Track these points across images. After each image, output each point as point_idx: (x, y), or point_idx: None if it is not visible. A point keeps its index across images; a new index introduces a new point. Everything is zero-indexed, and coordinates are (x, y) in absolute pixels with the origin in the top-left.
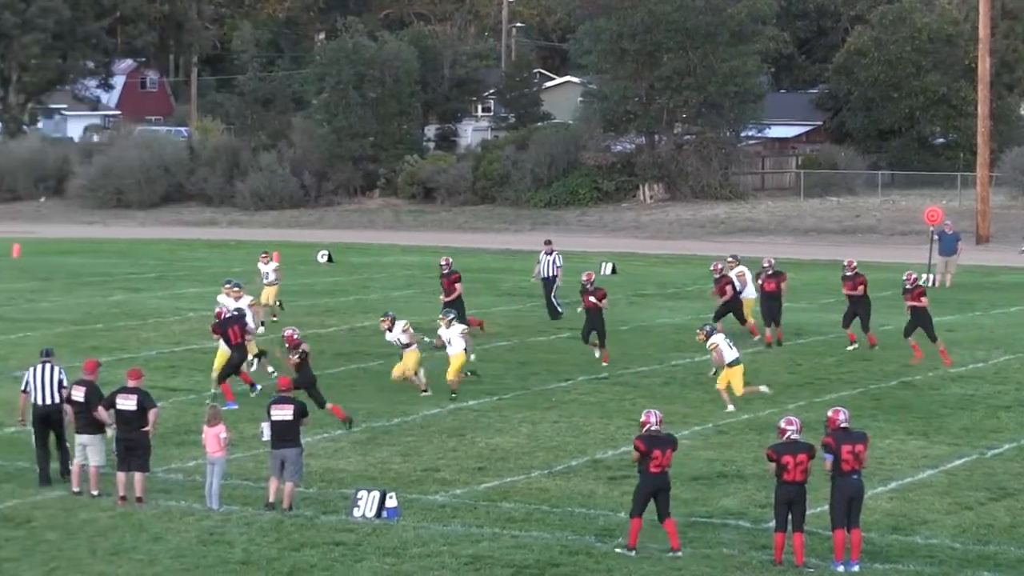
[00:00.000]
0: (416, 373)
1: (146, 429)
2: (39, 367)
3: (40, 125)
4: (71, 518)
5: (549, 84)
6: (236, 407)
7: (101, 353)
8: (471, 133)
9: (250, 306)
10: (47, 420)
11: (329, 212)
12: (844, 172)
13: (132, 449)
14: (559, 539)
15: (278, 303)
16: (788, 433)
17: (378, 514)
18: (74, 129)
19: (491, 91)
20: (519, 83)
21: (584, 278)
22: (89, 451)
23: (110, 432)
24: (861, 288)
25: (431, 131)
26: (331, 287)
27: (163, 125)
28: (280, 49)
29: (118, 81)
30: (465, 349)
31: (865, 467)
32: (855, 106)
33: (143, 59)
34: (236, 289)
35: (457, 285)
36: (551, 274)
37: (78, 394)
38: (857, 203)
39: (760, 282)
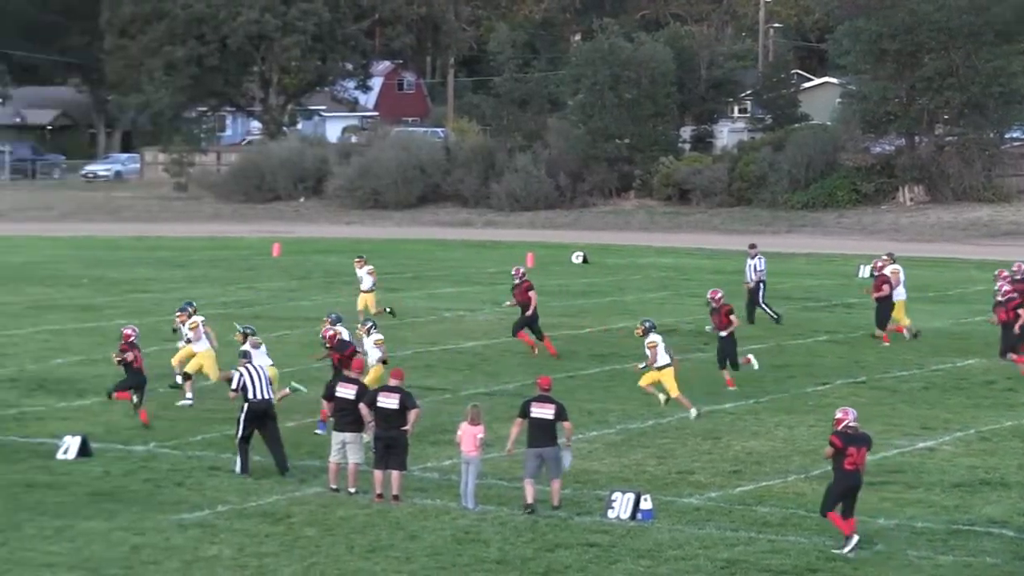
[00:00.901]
0: None
1: (405, 428)
2: (250, 367)
3: (299, 126)
4: (329, 515)
5: (807, 85)
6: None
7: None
8: (727, 134)
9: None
10: (264, 416)
11: (584, 213)
12: None
13: (391, 447)
14: (816, 544)
15: (387, 310)
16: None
17: (633, 516)
18: (332, 130)
19: (748, 92)
20: (776, 84)
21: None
22: (349, 449)
23: (368, 435)
24: None
25: (687, 132)
26: (586, 288)
27: (420, 126)
28: (536, 50)
29: (376, 83)
30: (382, 359)
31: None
32: None
33: (401, 61)
34: (181, 313)
35: (531, 294)
36: (753, 278)
37: (348, 391)
38: None
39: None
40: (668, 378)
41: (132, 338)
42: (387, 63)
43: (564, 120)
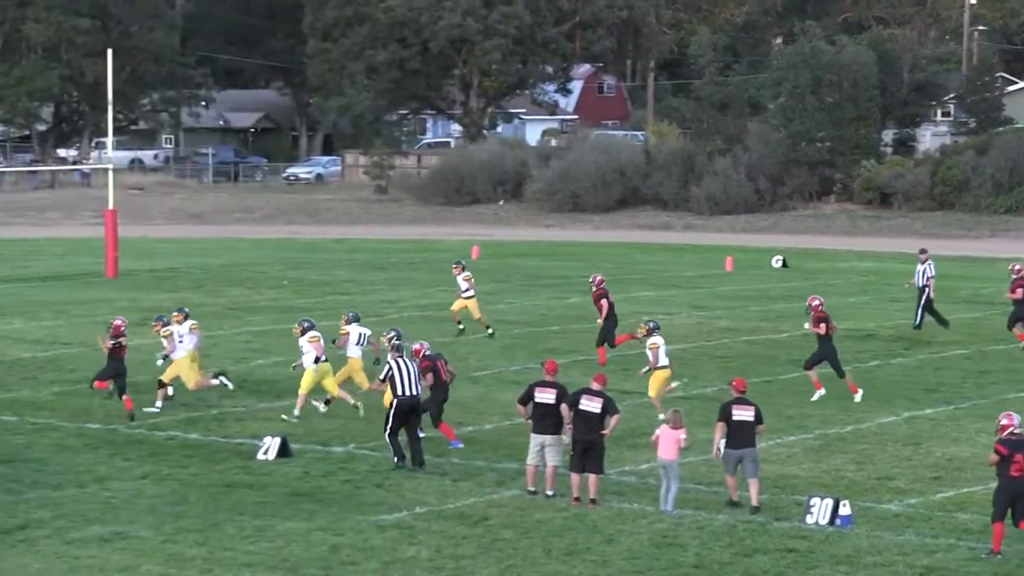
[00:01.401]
0: None
1: (604, 432)
2: (400, 361)
3: (499, 129)
4: (526, 517)
5: (1012, 88)
6: (461, 446)
7: (557, 355)
8: (929, 138)
9: (192, 329)
10: (411, 411)
11: (784, 217)
12: None
13: (588, 451)
14: (1017, 552)
15: (488, 330)
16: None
17: (831, 521)
18: (532, 133)
19: (951, 95)
20: (980, 87)
21: None
22: (548, 451)
23: (567, 437)
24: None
25: (888, 136)
26: (786, 292)
27: (619, 129)
28: (737, 54)
29: (576, 86)
30: (318, 359)
31: None
32: None
33: (601, 64)
34: (178, 314)
35: (603, 302)
36: (922, 283)
37: (547, 395)
38: None
39: None
40: (657, 379)
41: (122, 328)
42: (587, 66)
43: (764, 124)
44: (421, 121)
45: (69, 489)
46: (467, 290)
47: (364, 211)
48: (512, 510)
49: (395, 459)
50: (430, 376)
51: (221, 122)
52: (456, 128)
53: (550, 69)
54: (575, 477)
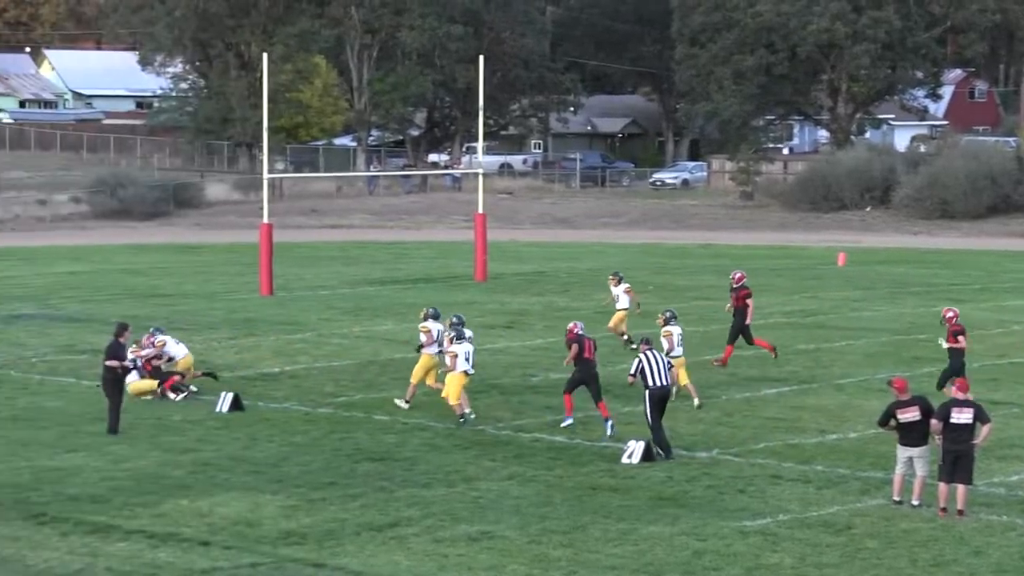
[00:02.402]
0: None
1: (976, 442)
2: (649, 353)
3: (867, 135)
4: (891, 527)
5: None
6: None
7: (923, 363)
8: None
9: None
10: (663, 400)
11: None
12: None
13: (959, 461)
14: None
15: (627, 340)
16: None
17: None
18: (900, 139)
19: None
20: None
21: None
22: (917, 462)
23: (937, 440)
24: None
25: None
26: None
27: (991, 135)
28: None
29: (946, 91)
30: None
31: None
32: None
33: (972, 69)
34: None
35: (748, 301)
36: None
37: (911, 414)
38: None
39: None
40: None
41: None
42: (958, 71)
43: None
44: (788, 127)
45: (438, 488)
46: (626, 303)
47: (729, 216)
48: (876, 519)
49: (664, 452)
50: (575, 348)
51: (589, 127)
52: (823, 134)
53: (920, 74)
54: (943, 487)
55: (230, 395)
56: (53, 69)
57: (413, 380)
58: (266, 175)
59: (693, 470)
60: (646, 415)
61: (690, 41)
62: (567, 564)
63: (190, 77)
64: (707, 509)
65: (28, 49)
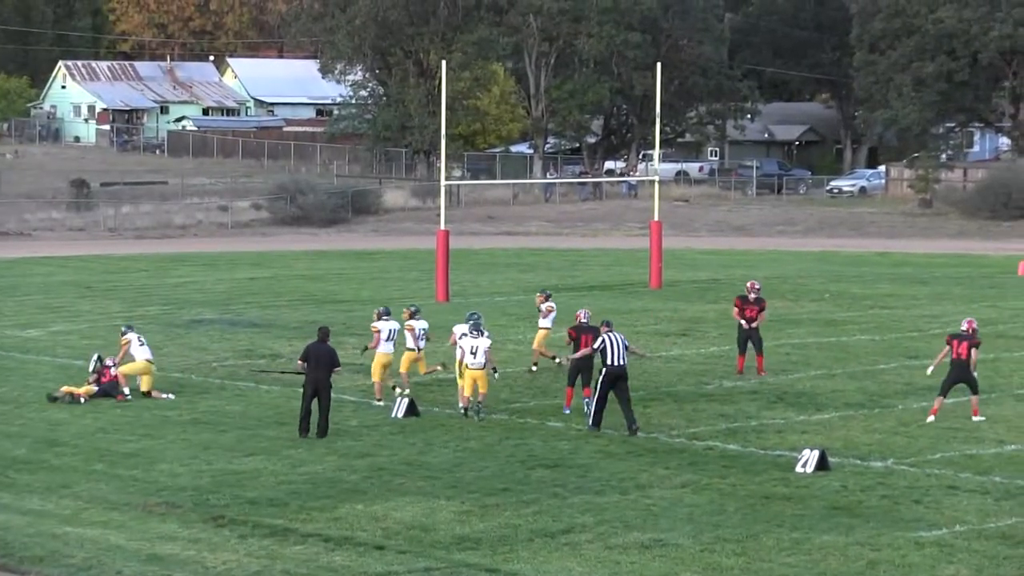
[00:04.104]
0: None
1: None
2: (611, 335)
3: None
4: None
5: None
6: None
7: None
8: None
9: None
10: (617, 378)
11: None
12: None
13: None
14: None
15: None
16: None
17: None
18: None
19: None
20: None
21: None
22: None
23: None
24: None
25: None
26: None
27: None
28: None
29: None
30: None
31: None
32: None
33: None
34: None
35: (762, 314)
36: None
37: None
38: None
39: None
40: None
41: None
42: None
43: None
44: (968, 134)
45: (611, 495)
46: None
47: (907, 225)
48: None
49: (591, 420)
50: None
51: (766, 135)
52: (1004, 141)
53: None
54: None
55: (406, 400)
56: (236, 77)
57: (375, 378)
58: (443, 182)
59: (868, 480)
60: (595, 387)
61: (869, 48)
62: (740, 573)
63: (369, 85)
64: (882, 519)
65: (212, 57)
